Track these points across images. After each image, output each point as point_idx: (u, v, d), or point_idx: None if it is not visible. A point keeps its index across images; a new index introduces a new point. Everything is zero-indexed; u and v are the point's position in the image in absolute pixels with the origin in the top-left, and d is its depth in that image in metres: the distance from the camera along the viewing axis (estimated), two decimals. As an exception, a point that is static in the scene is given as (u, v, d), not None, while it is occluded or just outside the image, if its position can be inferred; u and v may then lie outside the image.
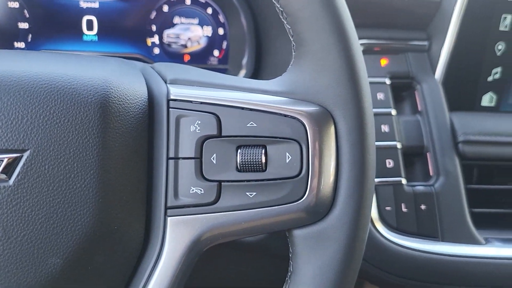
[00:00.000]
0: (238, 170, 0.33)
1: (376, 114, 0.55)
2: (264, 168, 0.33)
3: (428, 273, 0.52)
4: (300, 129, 0.32)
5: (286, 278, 0.34)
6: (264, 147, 0.33)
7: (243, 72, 0.67)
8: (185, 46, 0.71)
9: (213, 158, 0.33)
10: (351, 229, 0.33)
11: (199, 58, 0.71)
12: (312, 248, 0.33)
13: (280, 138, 0.33)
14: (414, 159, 0.57)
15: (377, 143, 0.54)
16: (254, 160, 0.32)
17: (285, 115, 0.33)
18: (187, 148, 0.33)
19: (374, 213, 0.52)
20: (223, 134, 0.33)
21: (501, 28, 0.58)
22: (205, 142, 0.33)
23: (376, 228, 0.52)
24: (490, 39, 0.58)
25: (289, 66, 0.35)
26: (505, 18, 0.58)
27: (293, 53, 0.34)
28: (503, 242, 0.54)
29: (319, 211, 0.33)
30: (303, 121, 0.32)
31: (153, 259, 0.32)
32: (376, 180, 0.53)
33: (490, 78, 0.60)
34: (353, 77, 0.33)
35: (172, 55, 0.70)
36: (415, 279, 0.53)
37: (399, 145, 0.55)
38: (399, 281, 0.53)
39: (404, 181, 0.54)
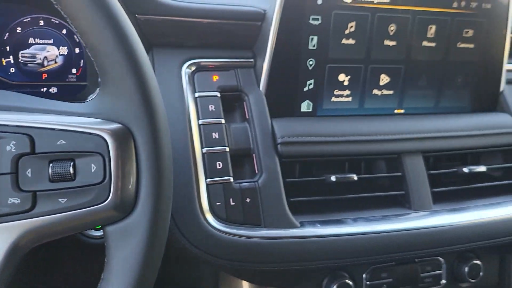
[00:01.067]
0: (51, 181, 0.39)
1: (207, 124, 0.64)
2: (73, 178, 0.39)
3: (254, 254, 0.62)
4: (102, 144, 0.40)
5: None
6: (73, 160, 0.39)
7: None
8: (42, 65, 0.74)
9: (28, 172, 0.39)
10: (151, 223, 0.41)
11: (57, 76, 0.75)
12: (120, 241, 0.41)
13: (86, 152, 0.40)
14: (243, 160, 0.67)
15: (208, 148, 0.63)
16: (64, 172, 0.39)
17: (90, 133, 0.40)
18: (4, 165, 0.38)
19: (205, 207, 0.61)
20: (36, 151, 0.39)
21: (310, 47, 0.70)
22: (20, 159, 0.39)
23: (207, 221, 0.60)
24: (302, 56, 0.70)
25: (97, 91, 0.42)
26: (312, 38, 0.70)
27: (99, 80, 0.41)
28: (314, 224, 0.66)
29: (123, 209, 0.41)
30: (104, 137, 0.40)
31: None
32: (207, 180, 0.62)
33: (305, 89, 0.72)
34: (146, 99, 0.41)
35: (28, 74, 0.73)
36: (243, 261, 0.62)
37: (227, 149, 0.65)
38: (230, 264, 0.63)
39: (232, 179, 0.63)
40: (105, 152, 0.40)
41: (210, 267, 0.77)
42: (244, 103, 0.69)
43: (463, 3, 0.76)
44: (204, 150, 0.64)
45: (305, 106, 0.73)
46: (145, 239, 0.41)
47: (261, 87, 0.70)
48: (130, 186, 0.41)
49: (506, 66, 0.83)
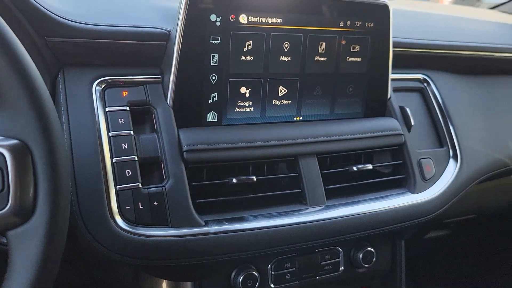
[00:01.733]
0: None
1: (117, 136, 0.71)
2: None
3: (161, 252, 0.69)
4: (1, 159, 0.45)
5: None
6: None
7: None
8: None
9: None
10: (49, 226, 0.47)
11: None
12: (20, 243, 0.47)
13: (-14, 167, 0.45)
14: (153, 167, 0.74)
15: (117, 158, 0.70)
16: None
17: (-10, 150, 0.46)
18: None
19: (115, 211, 0.67)
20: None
21: (212, 63, 0.78)
22: None
23: (116, 223, 0.67)
24: (205, 72, 0.78)
25: None
26: (213, 56, 0.78)
27: (-1, 101, 0.47)
28: (218, 222, 0.74)
29: (23, 215, 0.47)
30: (3, 152, 0.46)
31: None
32: (117, 187, 0.69)
33: (210, 101, 0.80)
34: (41, 117, 0.47)
35: None
36: (152, 258, 0.69)
37: (136, 158, 0.71)
38: (141, 262, 0.69)
39: (140, 185, 0.70)
40: (4, 166, 0.46)
41: (129, 268, 0.83)
42: (153, 116, 0.76)
43: (348, 23, 0.87)
44: (114, 159, 0.70)
45: (211, 116, 0.81)
46: (43, 240, 0.47)
47: (168, 101, 0.77)
48: (30, 195, 0.47)
49: (391, 76, 0.94)
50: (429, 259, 1.83)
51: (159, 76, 0.79)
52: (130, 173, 0.70)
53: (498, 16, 1.61)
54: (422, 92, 1.03)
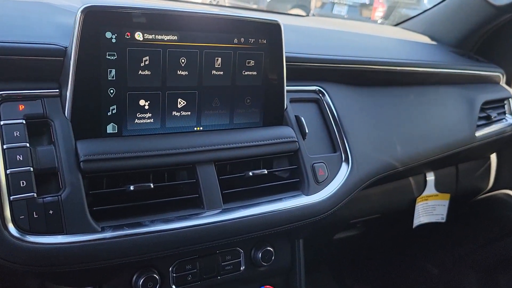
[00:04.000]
0: None
1: (11, 148, 0.73)
2: None
3: (57, 258, 0.72)
4: None
5: None
6: None
7: None
8: None
9: None
10: None
11: None
12: None
13: None
14: (50, 178, 0.77)
15: (12, 169, 0.72)
16: None
17: None
18: None
19: (9, 220, 0.70)
20: None
21: (109, 78, 0.82)
22: None
23: (10, 232, 0.69)
24: (103, 86, 0.82)
25: None
26: (110, 71, 0.82)
27: None
28: (116, 228, 0.78)
29: None
30: None
31: None
32: (11, 197, 0.71)
33: (109, 113, 0.84)
34: None
35: None
36: (47, 265, 0.72)
37: (32, 169, 0.74)
38: (36, 270, 0.72)
39: (35, 195, 0.73)
40: None
41: (33, 279, 0.84)
42: (51, 128, 0.79)
43: (242, 40, 0.94)
44: (8, 171, 0.72)
45: (110, 128, 0.85)
46: None
47: (66, 114, 0.80)
48: None
49: (288, 87, 1.03)
50: (350, 258, 1.95)
51: (57, 90, 0.82)
52: (24, 183, 0.73)
53: (399, 33, 1.77)
54: (318, 103, 1.13)
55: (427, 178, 1.55)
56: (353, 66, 1.18)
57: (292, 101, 1.08)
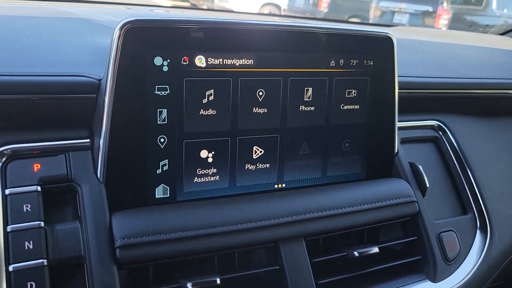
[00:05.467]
0: None
1: (19, 231, 0.49)
2: None
3: None
4: None
5: None
6: None
7: None
8: None
9: None
10: None
11: None
12: None
13: None
14: (72, 272, 0.52)
15: (17, 264, 0.48)
16: None
17: None
18: None
19: None
20: None
21: (159, 122, 0.58)
22: None
23: None
24: (150, 133, 0.57)
25: None
26: (161, 112, 0.58)
27: None
28: None
29: None
30: None
31: None
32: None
33: (159, 170, 0.59)
34: None
35: None
36: None
37: (45, 262, 0.50)
38: None
39: (48, 302, 0.49)
40: None
41: None
42: (77, 196, 0.55)
43: (341, 62, 0.67)
44: (11, 267, 0.49)
45: (160, 191, 0.60)
46: None
47: (98, 174, 0.56)
48: None
49: (398, 124, 0.74)
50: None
51: (87, 140, 0.58)
52: (34, 286, 0.49)
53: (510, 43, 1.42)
54: (437, 143, 0.83)
55: None
56: (483, 92, 0.87)
57: (403, 141, 0.79)
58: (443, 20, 7.32)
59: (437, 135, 0.83)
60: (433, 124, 0.83)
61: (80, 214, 0.54)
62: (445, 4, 7.32)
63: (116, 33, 0.53)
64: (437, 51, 1.07)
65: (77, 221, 0.54)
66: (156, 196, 0.60)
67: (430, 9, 8.10)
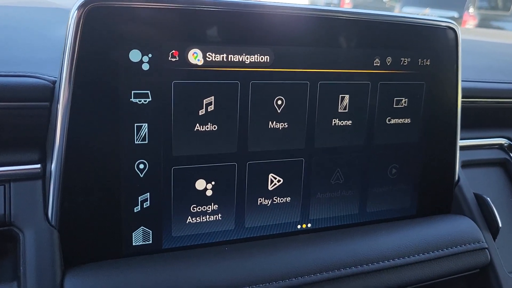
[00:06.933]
0: None
1: None
2: None
3: None
4: None
5: None
6: None
7: None
8: None
9: None
10: None
11: None
12: None
13: None
14: None
15: None
16: None
17: None
18: None
19: None
20: None
21: (137, 141, 0.41)
22: None
23: None
24: (125, 157, 0.41)
25: None
26: (139, 127, 0.41)
27: None
28: None
29: None
30: None
31: None
32: None
33: (137, 208, 0.43)
34: None
35: None
36: None
37: None
38: None
39: None
40: None
41: None
42: (17, 245, 0.39)
43: (389, 60, 0.50)
44: None
45: (140, 236, 0.43)
46: None
47: (50, 215, 0.40)
48: None
49: (459, 142, 0.56)
50: None
51: (37, 166, 0.42)
52: None
53: None
54: (507, 167, 0.65)
55: None
56: None
57: (464, 165, 0.61)
58: (469, 26, 7.08)
59: (507, 157, 0.65)
60: (502, 142, 0.65)
61: (20, 272, 0.38)
62: (471, 10, 7.08)
63: (74, 16, 0.37)
64: (500, 52, 0.89)
65: (15, 283, 0.38)
66: (134, 244, 0.43)
67: (456, 15, 7.87)
